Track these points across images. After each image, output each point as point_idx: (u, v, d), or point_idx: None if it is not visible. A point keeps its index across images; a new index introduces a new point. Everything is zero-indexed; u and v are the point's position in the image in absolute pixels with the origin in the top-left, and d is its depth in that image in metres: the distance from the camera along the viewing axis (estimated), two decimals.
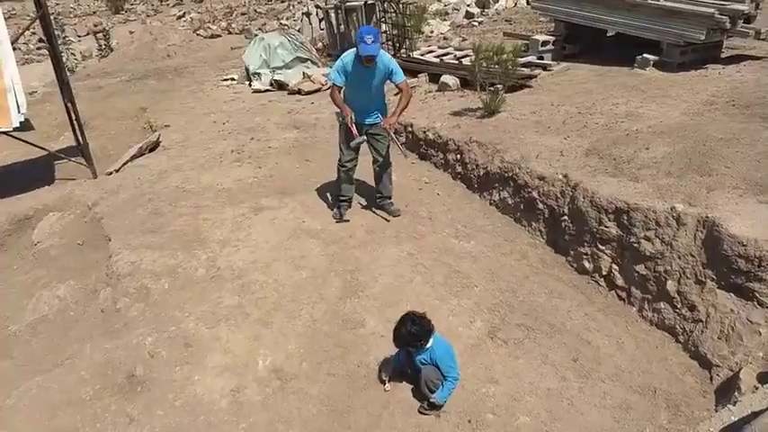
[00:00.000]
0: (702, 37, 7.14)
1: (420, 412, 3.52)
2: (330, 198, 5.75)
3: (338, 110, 5.20)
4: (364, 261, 4.84)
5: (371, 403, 3.58)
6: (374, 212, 5.59)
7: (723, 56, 7.85)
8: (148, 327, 4.16)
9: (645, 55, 7.66)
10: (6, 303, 4.92)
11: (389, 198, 5.58)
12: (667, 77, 7.26)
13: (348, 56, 4.92)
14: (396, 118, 5.15)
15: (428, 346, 3.52)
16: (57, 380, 3.83)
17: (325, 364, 3.87)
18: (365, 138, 5.17)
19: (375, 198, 5.67)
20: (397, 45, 10.44)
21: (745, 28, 7.38)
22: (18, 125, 6.01)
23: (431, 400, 3.49)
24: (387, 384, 3.69)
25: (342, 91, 5.09)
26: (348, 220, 5.42)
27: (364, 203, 5.76)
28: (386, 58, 4.99)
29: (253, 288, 4.53)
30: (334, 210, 5.51)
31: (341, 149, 5.32)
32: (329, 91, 5.35)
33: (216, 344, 4.01)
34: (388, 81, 5.16)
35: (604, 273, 4.64)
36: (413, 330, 3.46)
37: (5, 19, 6.44)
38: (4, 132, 6.11)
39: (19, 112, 6.01)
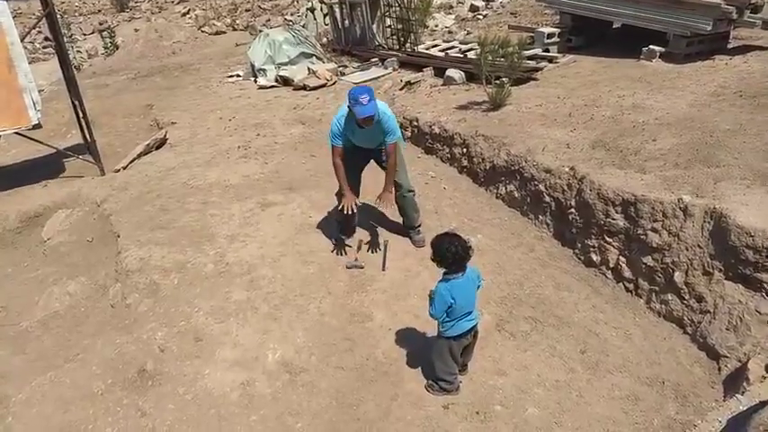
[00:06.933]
0: (709, 27, 7.10)
1: (426, 389, 3.62)
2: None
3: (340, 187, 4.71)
4: (371, 255, 4.85)
5: (380, 396, 3.60)
6: (378, 207, 5.17)
7: (730, 46, 7.81)
8: (158, 322, 4.19)
9: (651, 46, 7.63)
10: (18, 300, 4.96)
11: (414, 227, 5.02)
12: (674, 69, 7.22)
13: (341, 114, 4.41)
14: (391, 188, 4.68)
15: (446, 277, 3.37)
16: (69, 375, 3.87)
17: (333, 358, 3.89)
18: (363, 265, 4.67)
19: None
20: (402, 39, 10.44)
21: (753, 18, 7.35)
22: (36, 122, 6.07)
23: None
24: None
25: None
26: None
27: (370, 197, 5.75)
28: (385, 114, 4.40)
29: (261, 283, 4.56)
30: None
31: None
32: (331, 156, 4.65)
33: (226, 338, 4.04)
34: None
35: (612, 265, 4.64)
36: (451, 250, 3.26)
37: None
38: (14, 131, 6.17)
39: (35, 109, 6.07)
